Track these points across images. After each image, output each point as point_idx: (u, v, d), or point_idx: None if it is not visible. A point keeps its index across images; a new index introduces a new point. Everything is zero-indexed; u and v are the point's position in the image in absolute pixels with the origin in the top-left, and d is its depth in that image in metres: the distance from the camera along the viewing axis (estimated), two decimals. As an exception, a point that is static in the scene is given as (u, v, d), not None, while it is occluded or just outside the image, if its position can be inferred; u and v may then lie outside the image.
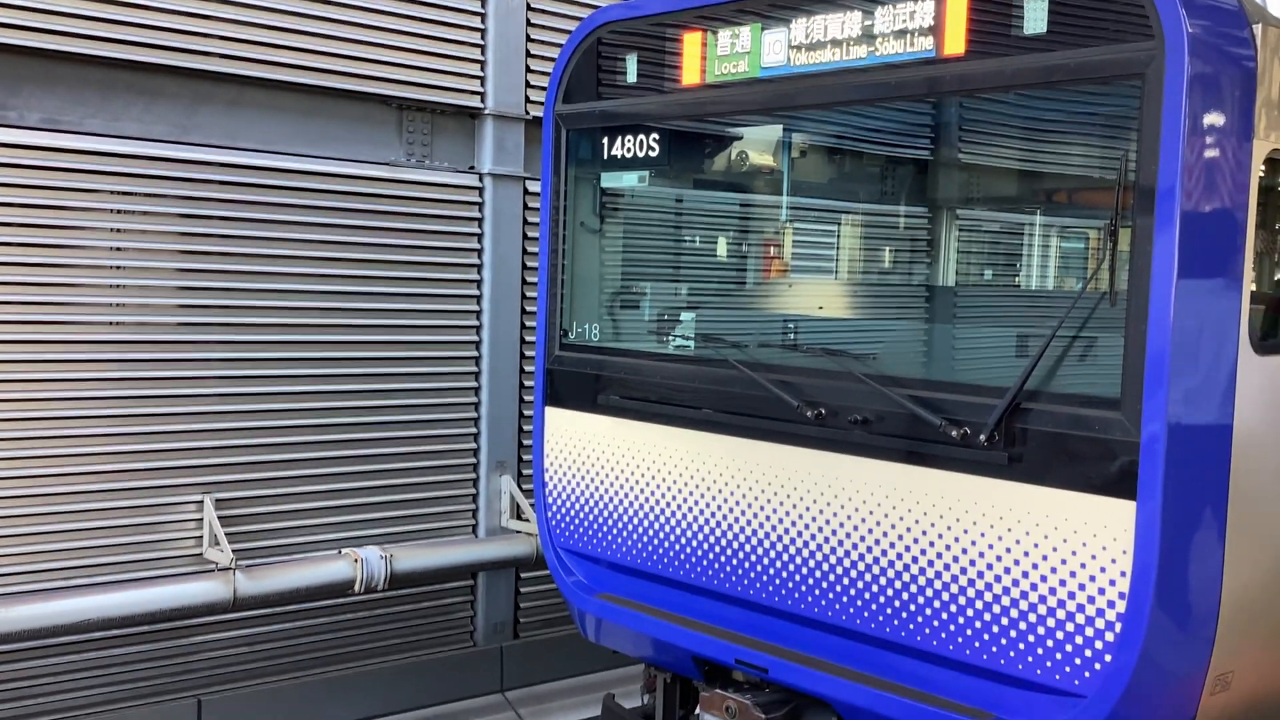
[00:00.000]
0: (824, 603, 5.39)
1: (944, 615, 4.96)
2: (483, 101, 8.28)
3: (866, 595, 5.23)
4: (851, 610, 5.29)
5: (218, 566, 7.24)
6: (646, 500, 6.14)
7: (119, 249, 7.03)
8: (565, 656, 8.84)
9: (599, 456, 6.38)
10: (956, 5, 4.87)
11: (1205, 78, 4.30)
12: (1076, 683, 4.58)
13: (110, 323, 7.04)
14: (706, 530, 5.86)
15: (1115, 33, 4.43)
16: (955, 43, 4.88)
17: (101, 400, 7.04)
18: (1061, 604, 4.61)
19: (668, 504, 6.03)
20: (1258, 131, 4.52)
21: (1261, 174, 4.65)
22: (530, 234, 8.54)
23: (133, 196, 7.05)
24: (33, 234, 6.77)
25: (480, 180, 8.38)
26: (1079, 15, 4.54)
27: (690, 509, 5.93)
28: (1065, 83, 4.62)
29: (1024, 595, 4.71)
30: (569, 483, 6.56)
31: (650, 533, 6.14)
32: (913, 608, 5.06)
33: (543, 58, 8.42)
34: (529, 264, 8.55)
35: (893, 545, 5.12)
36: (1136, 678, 4.43)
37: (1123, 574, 4.43)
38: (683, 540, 5.98)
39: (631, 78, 6.22)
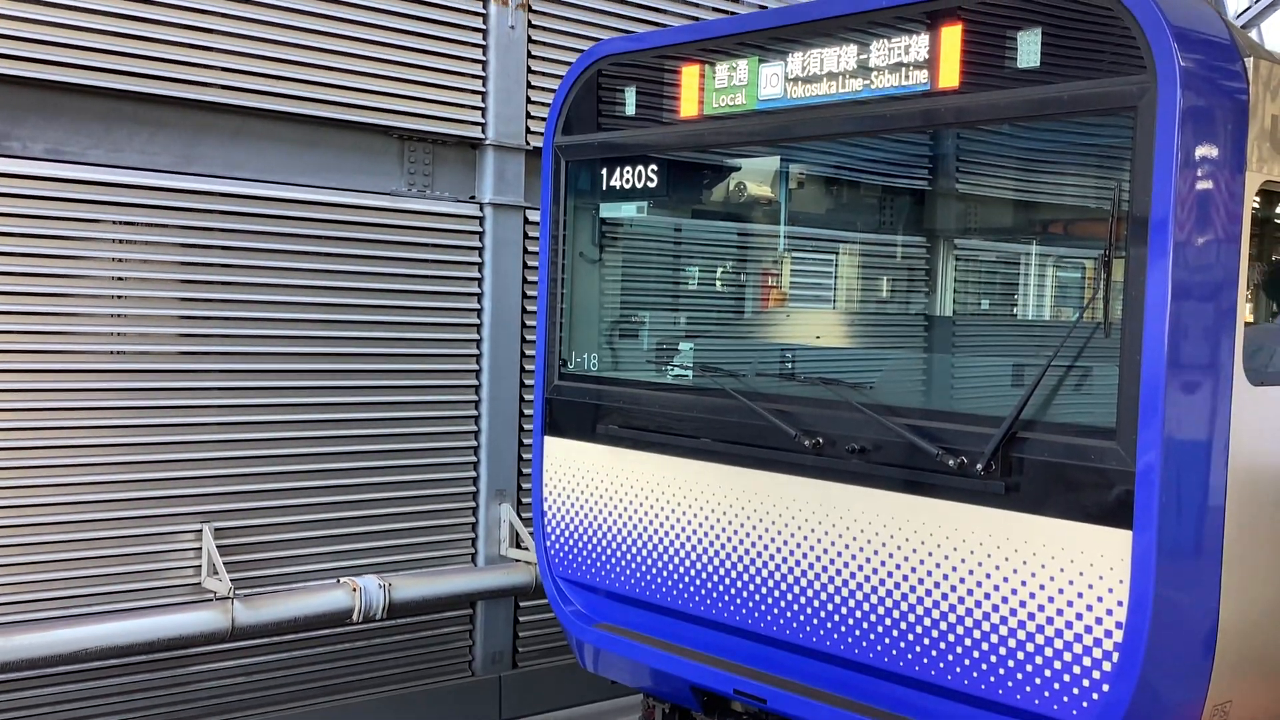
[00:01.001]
0: (822, 632, 5.39)
1: (942, 645, 4.96)
2: (483, 132, 8.34)
3: (864, 625, 5.23)
4: (850, 640, 5.29)
5: (216, 596, 7.23)
6: (645, 529, 6.15)
7: (120, 278, 7.07)
8: (564, 686, 8.82)
9: (598, 486, 6.39)
10: (951, 39, 4.92)
11: (1197, 110, 4.34)
12: (1074, 713, 4.58)
13: (111, 352, 7.07)
14: (705, 560, 5.87)
15: (1108, 66, 4.48)
16: (950, 76, 4.93)
17: (102, 429, 7.05)
18: (1059, 634, 4.62)
19: (666, 533, 6.04)
20: (1250, 164, 4.56)
21: (1255, 205, 4.69)
22: (530, 263, 8.58)
23: (135, 226, 7.10)
24: (35, 263, 6.81)
25: (481, 210, 8.43)
26: (1072, 49, 4.59)
27: (689, 538, 5.94)
28: (1058, 115, 4.66)
29: (1021, 625, 4.72)
30: (568, 512, 6.57)
31: (649, 562, 6.14)
32: (910, 637, 5.06)
33: (543, 89, 8.49)
34: (529, 293, 8.59)
35: (890, 575, 5.13)
36: (1134, 708, 4.43)
37: (1120, 604, 4.44)
38: (681, 570, 5.99)
39: (631, 110, 6.28)
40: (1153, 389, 4.33)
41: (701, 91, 5.90)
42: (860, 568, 5.24)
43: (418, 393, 8.22)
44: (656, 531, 6.09)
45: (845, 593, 5.30)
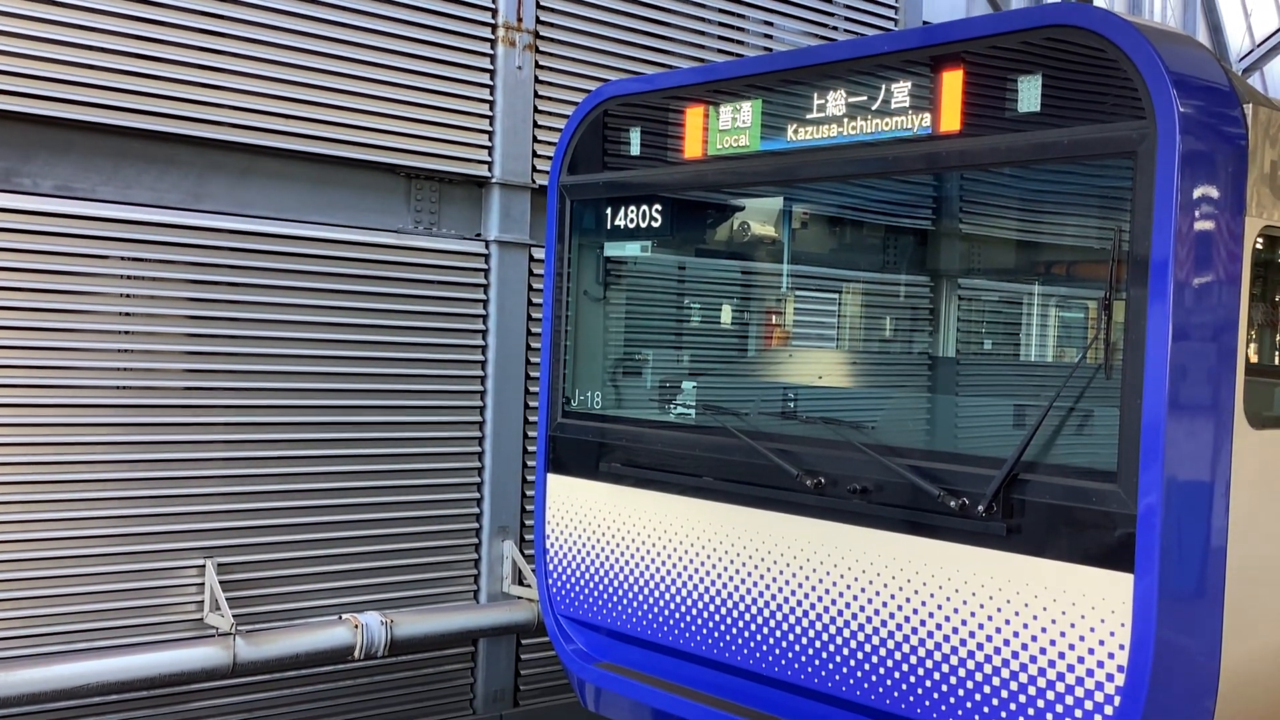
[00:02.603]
0: (824, 673, 5.38)
1: (944, 687, 4.95)
2: (490, 171, 8.40)
3: (866, 666, 5.22)
4: (851, 681, 5.27)
5: (218, 632, 7.22)
6: (647, 568, 6.14)
7: (128, 314, 7.11)
8: (565, 726, 8.78)
9: (600, 523, 6.40)
10: (952, 83, 4.97)
11: (1197, 156, 4.38)
12: (1076, 757, 4.56)
13: (117, 387, 7.10)
14: (706, 599, 5.86)
15: (1108, 111, 4.52)
16: (951, 120, 4.98)
17: (107, 464, 7.07)
18: (1061, 677, 4.60)
19: (668, 572, 6.04)
20: (1250, 209, 4.59)
21: (1256, 248, 4.72)
22: (535, 301, 8.62)
23: (143, 263, 7.14)
24: (44, 299, 6.85)
25: (486, 248, 8.48)
26: (1072, 94, 4.64)
27: (690, 577, 5.93)
28: (1059, 160, 4.70)
29: (1023, 667, 4.70)
30: (570, 549, 6.57)
31: (650, 601, 6.14)
32: (912, 679, 5.05)
33: (549, 129, 8.56)
34: (533, 331, 8.62)
35: (892, 616, 5.12)
36: (1136, 752, 4.41)
37: (1121, 647, 4.43)
38: (683, 609, 5.98)
39: (636, 150, 6.33)
40: (1153, 432, 4.35)
41: (706, 133, 5.95)
42: (862, 608, 5.23)
43: (422, 429, 8.24)
44: (658, 570, 6.08)
45: (846, 633, 5.29)
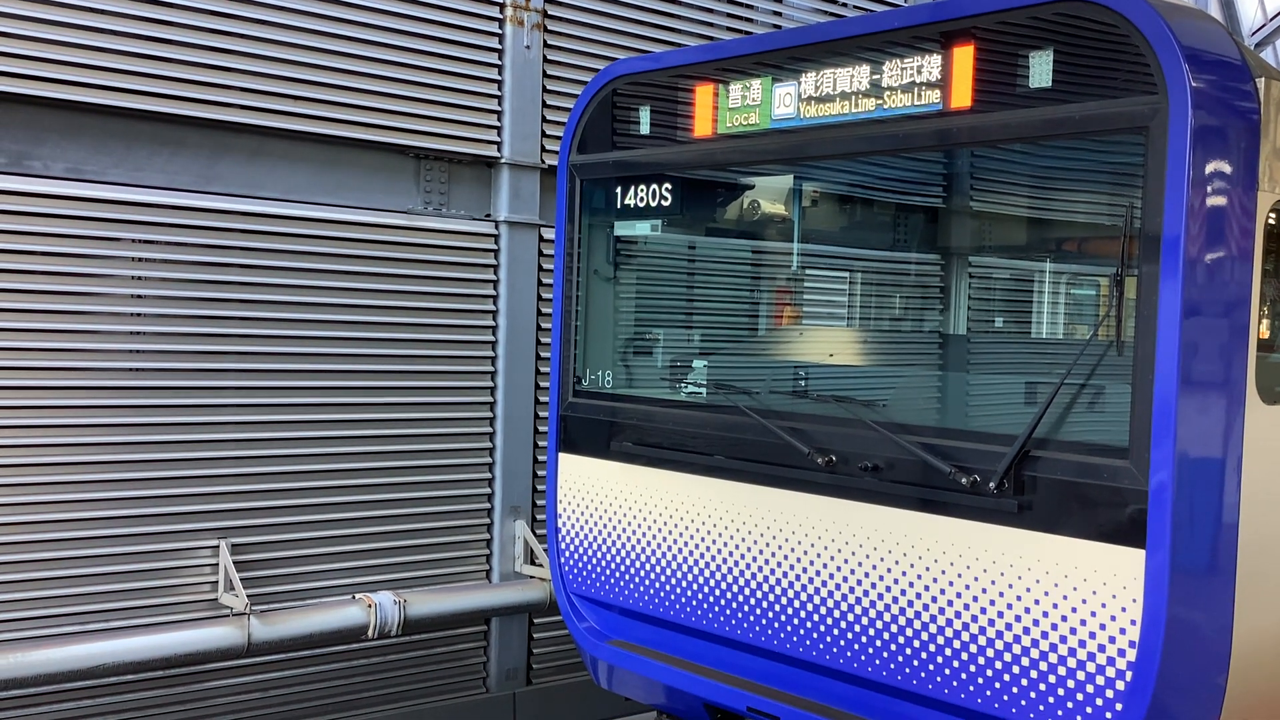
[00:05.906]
0: (835, 650, 5.40)
1: (955, 663, 4.97)
2: (499, 151, 8.39)
3: (878, 643, 5.24)
4: (863, 658, 5.29)
5: (232, 612, 7.27)
6: (658, 546, 6.16)
7: (139, 296, 7.13)
8: (578, 703, 8.82)
9: (612, 502, 6.42)
10: (963, 59, 4.95)
11: (1209, 130, 4.36)
12: (1088, 732, 4.58)
13: (129, 369, 7.13)
14: (718, 577, 5.88)
15: (1120, 86, 4.50)
16: (962, 96, 4.96)
17: (120, 445, 7.11)
18: (1072, 653, 4.62)
19: (680, 550, 6.06)
20: (1262, 183, 4.57)
21: (1269, 224, 4.70)
22: (545, 281, 8.63)
23: (154, 245, 7.17)
24: (55, 282, 6.87)
25: (496, 228, 8.48)
26: (1084, 69, 4.62)
27: (702, 555, 5.95)
28: (1070, 135, 4.69)
29: (1034, 644, 4.72)
30: (582, 528, 6.59)
31: (662, 579, 6.16)
32: (924, 655, 5.07)
33: (558, 108, 8.55)
34: (543, 310, 8.63)
35: (903, 592, 5.14)
36: (1147, 727, 4.43)
37: (1133, 623, 4.44)
38: (695, 586, 6.00)
39: (645, 129, 6.32)
40: (1165, 407, 4.34)
41: (715, 111, 5.94)
42: (873, 585, 5.25)
43: (433, 409, 8.26)
44: (670, 548, 6.10)
45: (858, 610, 5.30)
